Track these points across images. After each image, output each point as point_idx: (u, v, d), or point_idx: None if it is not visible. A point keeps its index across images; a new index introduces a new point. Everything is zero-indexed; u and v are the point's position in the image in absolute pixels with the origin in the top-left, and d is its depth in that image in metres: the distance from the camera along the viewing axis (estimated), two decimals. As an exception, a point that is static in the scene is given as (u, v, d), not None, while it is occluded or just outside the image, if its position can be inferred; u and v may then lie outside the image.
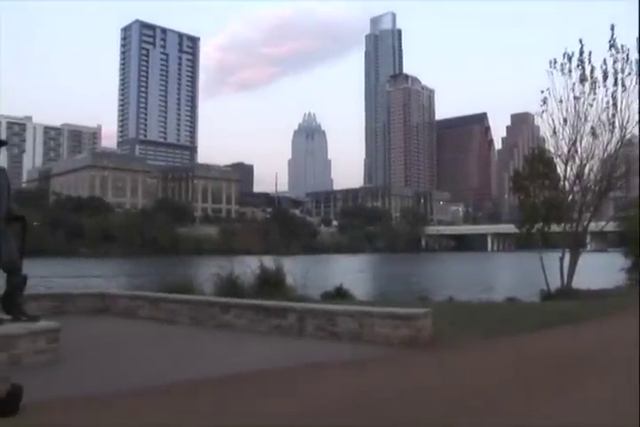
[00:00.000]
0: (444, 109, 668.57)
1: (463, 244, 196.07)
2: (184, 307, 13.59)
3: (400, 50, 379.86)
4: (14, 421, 6.00)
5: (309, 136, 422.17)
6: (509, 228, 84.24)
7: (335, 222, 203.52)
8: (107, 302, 15.63)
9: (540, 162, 25.89)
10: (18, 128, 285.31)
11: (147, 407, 6.56)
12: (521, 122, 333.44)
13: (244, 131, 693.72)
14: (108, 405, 6.66)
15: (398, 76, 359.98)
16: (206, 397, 7.01)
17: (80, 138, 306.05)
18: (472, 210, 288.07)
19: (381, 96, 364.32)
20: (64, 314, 14.23)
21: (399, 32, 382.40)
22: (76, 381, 7.91)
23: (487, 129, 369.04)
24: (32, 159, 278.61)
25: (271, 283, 15.88)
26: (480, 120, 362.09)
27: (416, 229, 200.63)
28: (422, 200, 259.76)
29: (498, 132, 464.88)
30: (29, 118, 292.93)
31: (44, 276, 40.92)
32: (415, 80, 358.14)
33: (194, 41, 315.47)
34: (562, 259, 23.55)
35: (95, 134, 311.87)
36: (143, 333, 12.24)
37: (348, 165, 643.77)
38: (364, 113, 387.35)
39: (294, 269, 18.55)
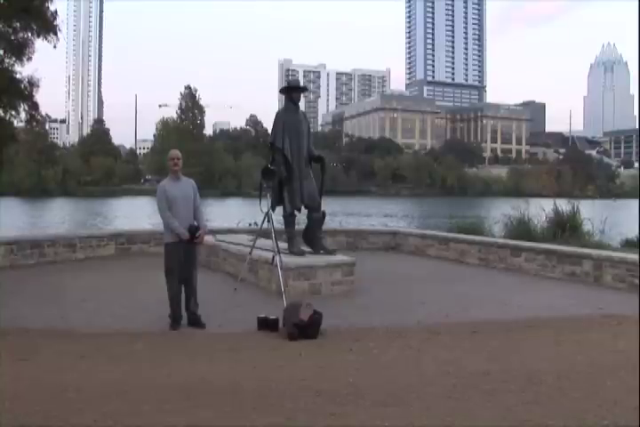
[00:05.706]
0: None
1: None
2: (473, 248, 13.55)
3: None
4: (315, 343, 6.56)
5: (608, 69, 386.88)
6: None
7: (638, 164, 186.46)
8: (398, 239, 16.21)
9: None
10: (313, 76, 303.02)
11: (434, 343, 6.70)
12: None
13: (534, 67, 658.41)
14: (397, 337, 6.94)
15: None
16: (491, 339, 6.93)
17: (369, 82, 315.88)
18: None
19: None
20: (357, 249, 15.14)
21: None
22: (367, 312, 8.35)
23: None
24: (326, 104, 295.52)
25: (565, 227, 15.07)
26: None
27: None
28: None
29: None
30: (323, 66, 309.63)
31: (335, 213, 43.56)
32: None
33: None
34: None
35: (384, 77, 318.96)
36: (432, 271, 12.46)
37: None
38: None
39: (590, 213, 17.33)
